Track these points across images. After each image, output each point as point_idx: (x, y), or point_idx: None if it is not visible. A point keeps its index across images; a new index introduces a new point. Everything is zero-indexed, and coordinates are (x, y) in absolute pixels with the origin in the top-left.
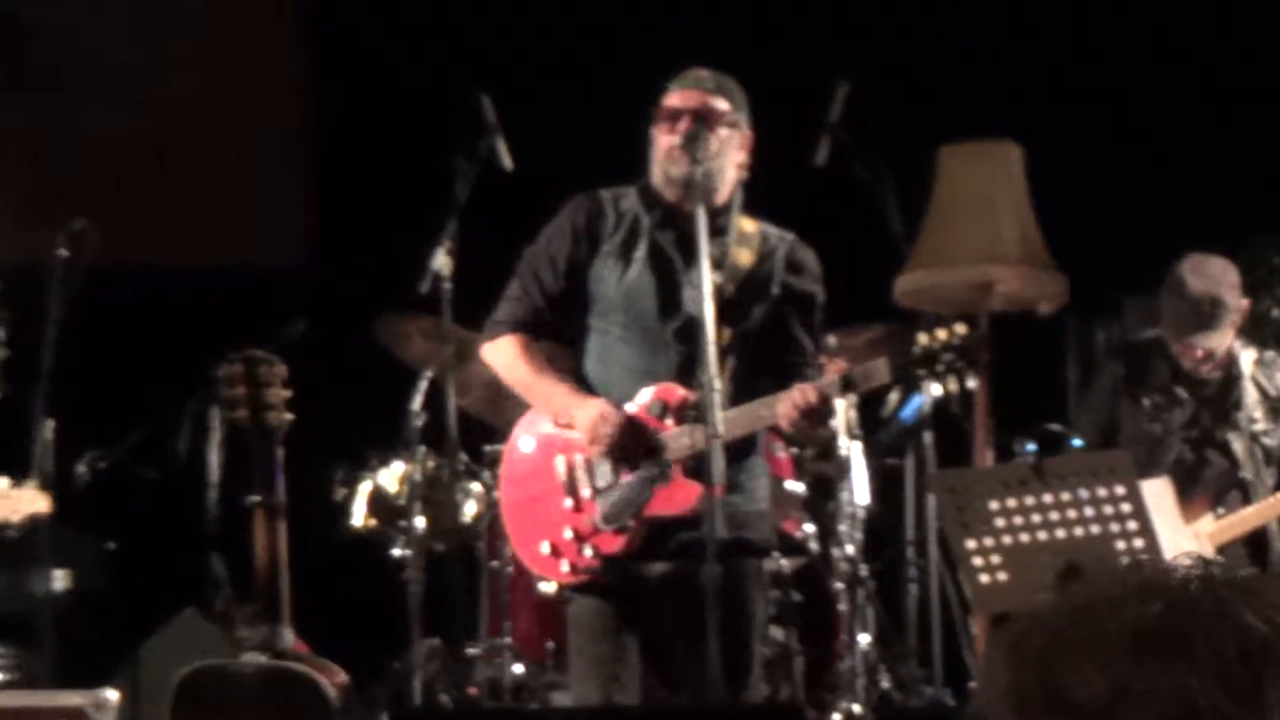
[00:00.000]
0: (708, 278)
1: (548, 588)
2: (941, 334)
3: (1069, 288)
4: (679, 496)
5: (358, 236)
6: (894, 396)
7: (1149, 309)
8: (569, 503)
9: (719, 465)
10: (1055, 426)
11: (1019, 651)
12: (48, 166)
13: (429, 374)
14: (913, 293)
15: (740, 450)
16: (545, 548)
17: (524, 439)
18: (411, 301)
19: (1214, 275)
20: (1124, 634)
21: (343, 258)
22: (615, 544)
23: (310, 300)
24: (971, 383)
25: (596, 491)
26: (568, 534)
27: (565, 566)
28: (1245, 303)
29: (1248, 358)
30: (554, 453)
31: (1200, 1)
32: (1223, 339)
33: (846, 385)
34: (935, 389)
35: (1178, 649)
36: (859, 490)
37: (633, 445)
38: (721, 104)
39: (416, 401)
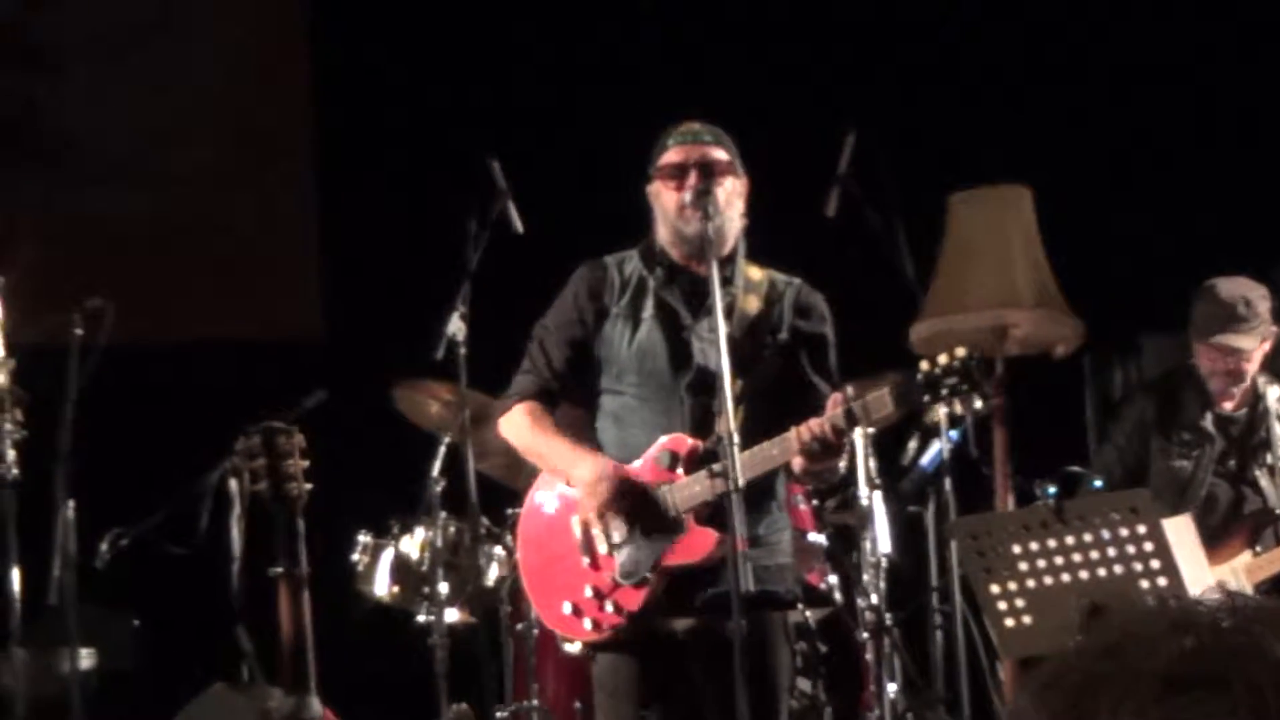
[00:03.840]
0: (724, 334)
1: (573, 648)
2: (943, 358)
3: (1085, 329)
4: (695, 544)
5: (371, 305)
6: (913, 444)
7: (1167, 348)
8: (586, 561)
9: (740, 518)
10: (1075, 468)
11: (1051, 695)
12: (61, 246)
13: (447, 439)
14: (928, 340)
15: (759, 503)
16: (567, 608)
17: (539, 501)
18: (427, 368)
19: (1245, 283)
20: (1158, 674)
21: (357, 327)
22: (636, 598)
23: (327, 370)
24: (978, 404)
25: (613, 547)
26: (588, 592)
27: (588, 625)
28: (1276, 328)
29: (1273, 394)
30: (569, 512)
31: (1212, 40)
32: (1252, 343)
33: (850, 417)
34: (938, 416)
35: (1214, 687)
36: (881, 539)
37: (629, 505)
38: (722, 155)
39: (436, 467)
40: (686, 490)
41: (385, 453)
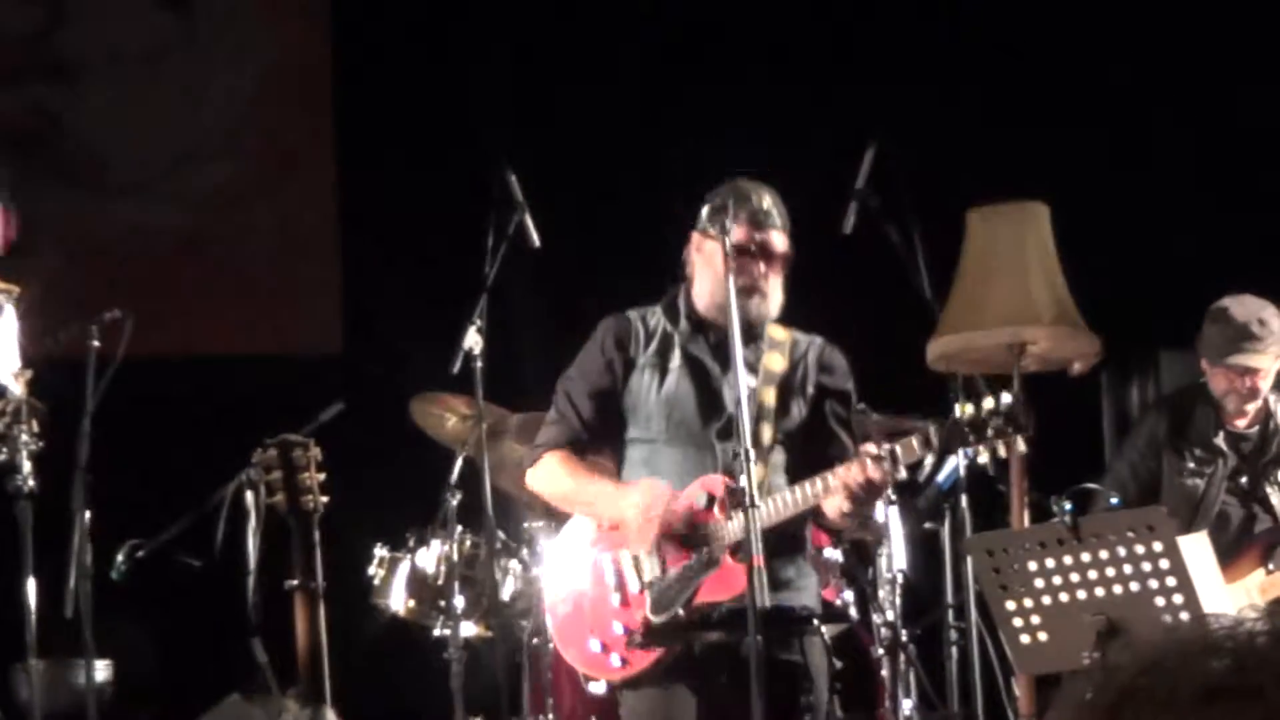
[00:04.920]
0: (739, 351)
1: (597, 687)
2: (988, 401)
3: (1102, 346)
4: (729, 581)
5: (389, 318)
6: (929, 461)
7: (1185, 365)
8: (616, 599)
9: (757, 535)
10: (1091, 485)
11: (1088, 711)
12: (81, 258)
13: (464, 453)
14: (945, 357)
15: (789, 549)
16: (595, 645)
17: (566, 542)
18: (444, 381)
19: (1255, 303)
20: (1195, 686)
21: (375, 340)
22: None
23: (344, 383)
24: (1022, 448)
25: (645, 585)
26: (617, 629)
27: (616, 661)
28: None
29: None
30: (599, 551)
31: (1230, 54)
32: (1268, 361)
33: (893, 459)
34: (981, 458)
35: (1250, 698)
36: (897, 555)
37: (683, 528)
38: (783, 243)
39: (452, 481)
40: (723, 529)
41: (402, 466)
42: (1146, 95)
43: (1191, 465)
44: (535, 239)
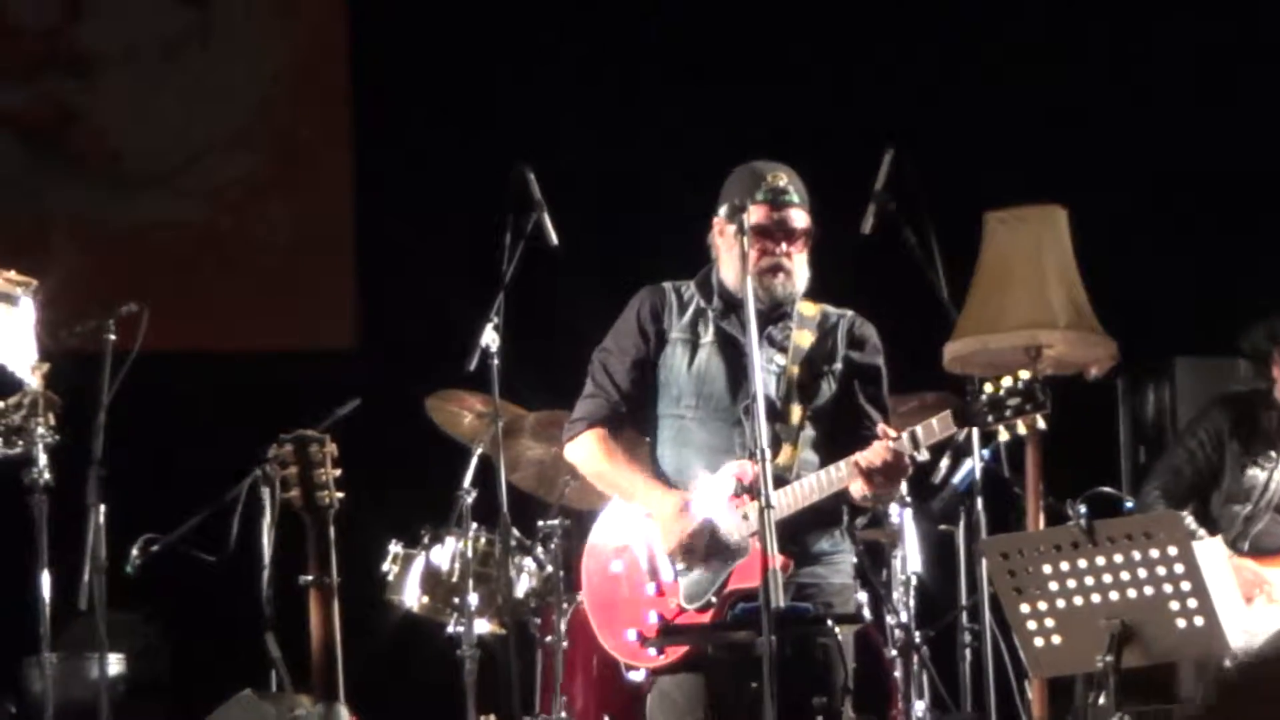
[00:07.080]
0: (757, 358)
1: (636, 675)
2: (1006, 380)
3: (1118, 351)
4: (758, 567)
5: (406, 315)
6: (945, 463)
7: (1201, 370)
8: (651, 588)
9: (773, 537)
10: (1107, 489)
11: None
12: (97, 252)
13: (479, 450)
14: (962, 359)
15: (824, 522)
16: (633, 634)
17: (603, 532)
18: (461, 378)
19: None
20: None
21: (391, 336)
22: (702, 621)
23: (360, 379)
24: (1041, 424)
25: (678, 573)
26: (653, 618)
27: (653, 650)
28: None
29: None
30: (634, 541)
31: (1249, 65)
32: None
33: (914, 441)
34: (1001, 436)
35: None
36: (911, 557)
37: (703, 541)
38: (804, 219)
39: (467, 478)
40: (753, 513)
41: (417, 463)
42: (1167, 102)
43: (1254, 457)
44: (553, 237)
